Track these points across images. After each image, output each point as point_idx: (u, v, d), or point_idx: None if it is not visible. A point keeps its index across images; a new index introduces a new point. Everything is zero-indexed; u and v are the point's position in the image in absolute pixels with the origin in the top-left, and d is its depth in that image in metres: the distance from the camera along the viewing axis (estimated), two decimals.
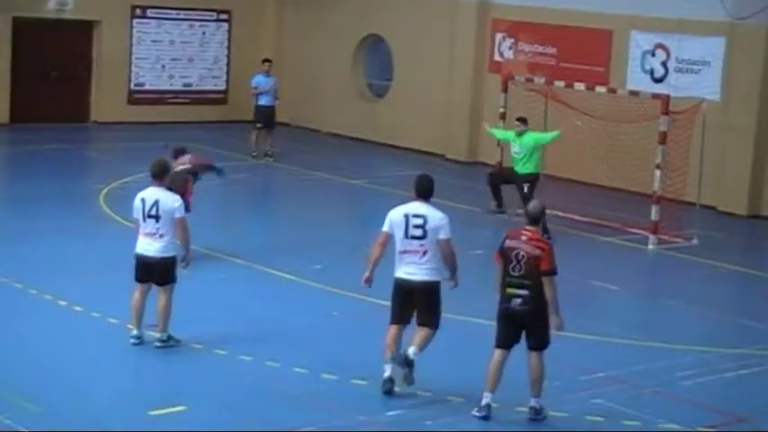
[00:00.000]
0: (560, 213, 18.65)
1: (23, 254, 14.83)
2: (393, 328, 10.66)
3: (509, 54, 23.95)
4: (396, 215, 10.62)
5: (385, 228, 10.66)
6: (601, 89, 19.71)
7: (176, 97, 27.78)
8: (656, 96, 18.34)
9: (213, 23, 28.01)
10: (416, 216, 10.50)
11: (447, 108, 24.61)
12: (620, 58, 22.22)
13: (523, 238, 10.14)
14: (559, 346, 10.53)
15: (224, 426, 9.73)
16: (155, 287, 11.51)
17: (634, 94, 19.35)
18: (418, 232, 10.48)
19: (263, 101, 23.55)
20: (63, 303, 12.73)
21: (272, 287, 14.39)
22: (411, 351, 10.46)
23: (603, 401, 10.80)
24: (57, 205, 18.18)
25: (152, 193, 11.46)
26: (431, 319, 10.61)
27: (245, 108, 24.88)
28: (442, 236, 10.48)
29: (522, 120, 18.37)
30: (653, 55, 21.81)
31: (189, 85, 27.95)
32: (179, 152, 15.19)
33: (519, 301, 10.08)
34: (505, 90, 19.91)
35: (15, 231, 16.38)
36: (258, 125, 23.52)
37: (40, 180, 19.88)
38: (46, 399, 9.93)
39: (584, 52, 22.53)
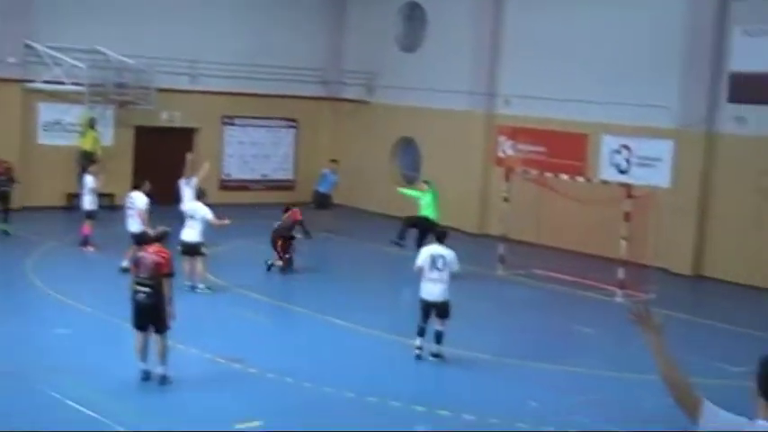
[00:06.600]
0: (552, 273, 19.04)
1: None
2: None
3: (510, 152, 24.27)
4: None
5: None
6: (580, 178, 20.05)
7: (256, 184, 28.37)
8: (621, 184, 18.63)
9: (284, 129, 28.64)
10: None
11: (462, 194, 24.89)
12: (594, 155, 22.50)
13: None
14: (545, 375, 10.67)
15: None
16: None
17: (605, 182, 19.66)
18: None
19: (322, 188, 24.08)
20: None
21: (331, 332, 14.48)
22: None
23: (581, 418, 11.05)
24: None
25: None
26: None
27: (307, 193, 25.34)
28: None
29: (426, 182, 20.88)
30: (619, 153, 22.05)
31: (265, 175, 28.52)
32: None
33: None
34: (507, 179, 20.21)
35: None
36: (312, 205, 23.95)
37: None
38: None
39: (566, 150, 22.83)
